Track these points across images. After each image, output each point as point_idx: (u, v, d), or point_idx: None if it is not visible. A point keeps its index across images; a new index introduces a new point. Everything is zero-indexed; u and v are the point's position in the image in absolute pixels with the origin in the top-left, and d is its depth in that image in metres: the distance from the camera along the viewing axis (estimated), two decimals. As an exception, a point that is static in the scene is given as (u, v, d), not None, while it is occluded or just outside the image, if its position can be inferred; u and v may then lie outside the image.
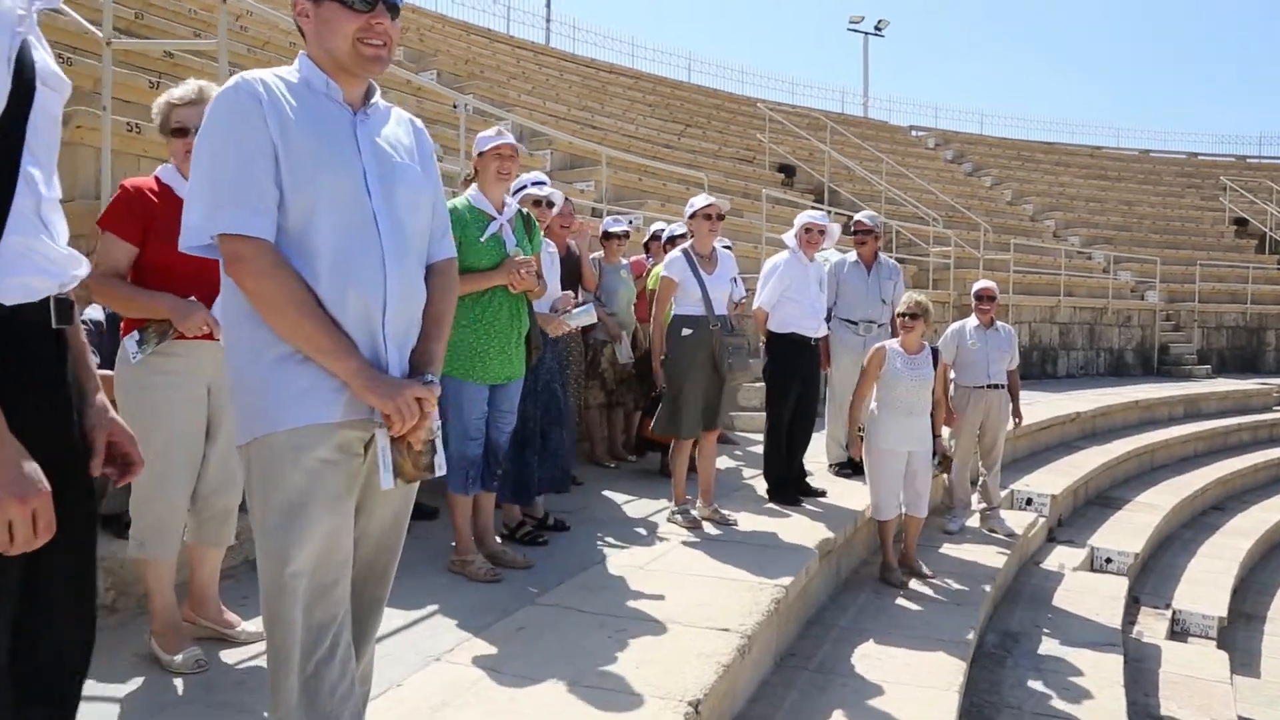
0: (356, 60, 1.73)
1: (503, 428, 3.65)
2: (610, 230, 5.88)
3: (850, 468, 6.03)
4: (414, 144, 1.86)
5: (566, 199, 4.48)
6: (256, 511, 1.70)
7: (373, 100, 1.81)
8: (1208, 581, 6.76)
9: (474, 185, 3.56)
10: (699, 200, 4.51)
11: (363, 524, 1.82)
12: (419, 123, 1.93)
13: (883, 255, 6.11)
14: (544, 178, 4.04)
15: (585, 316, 4.02)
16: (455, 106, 8.40)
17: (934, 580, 4.85)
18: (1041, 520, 6.73)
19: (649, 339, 5.59)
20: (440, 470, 1.81)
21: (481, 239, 3.39)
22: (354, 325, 1.70)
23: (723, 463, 6.01)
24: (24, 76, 1.23)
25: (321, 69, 1.75)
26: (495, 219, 3.47)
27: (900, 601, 4.55)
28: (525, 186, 3.91)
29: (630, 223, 8.50)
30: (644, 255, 6.45)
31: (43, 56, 1.31)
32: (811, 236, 5.24)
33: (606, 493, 5.26)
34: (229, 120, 1.66)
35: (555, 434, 4.11)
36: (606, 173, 10.09)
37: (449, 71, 13.38)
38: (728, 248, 5.27)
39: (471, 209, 3.46)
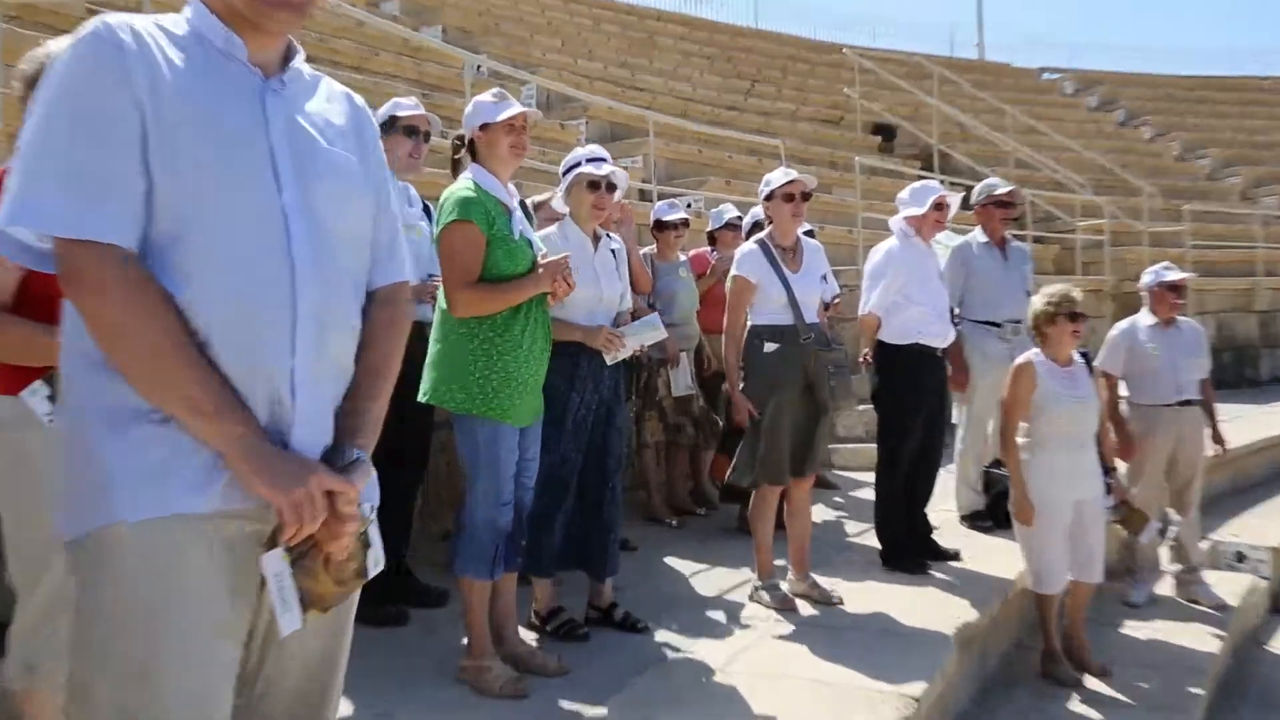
0: (250, 2, 1.58)
1: (527, 482, 3.57)
2: (664, 219, 5.76)
3: (990, 519, 5.77)
4: (352, 128, 1.74)
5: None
6: (85, 641, 1.50)
7: (292, 64, 1.68)
8: None
9: (473, 166, 3.46)
10: (777, 176, 4.43)
11: (277, 658, 1.63)
12: (360, 100, 1.80)
13: (1011, 236, 5.92)
14: (603, 153, 3.95)
15: (650, 333, 3.88)
16: (469, 70, 8.31)
17: (1118, 676, 4.50)
18: (1261, 583, 6.27)
19: (718, 356, 5.53)
20: (375, 568, 1.64)
21: (514, 235, 3.36)
22: (243, 376, 1.52)
23: (819, 514, 5.83)
24: None
25: (219, 17, 1.61)
26: (512, 209, 3.42)
27: (1075, 706, 4.22)
28: (579, 164, 3.84)
29: (689, 206, 8.37)
30: (707, 248, 6.29)
31: None
32: (941, 215, 5.04)
33: (669, 559, 5.11)
34: (78, 77, 1.49)
35: (607, 498, 3.93)
36: (656, 145, 9.87)
37: (457, 26, 13.35)
38: (809, 234, 5.18)
39: (489, 197, 3.40)
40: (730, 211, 6.27)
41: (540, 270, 3.38)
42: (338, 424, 1.63)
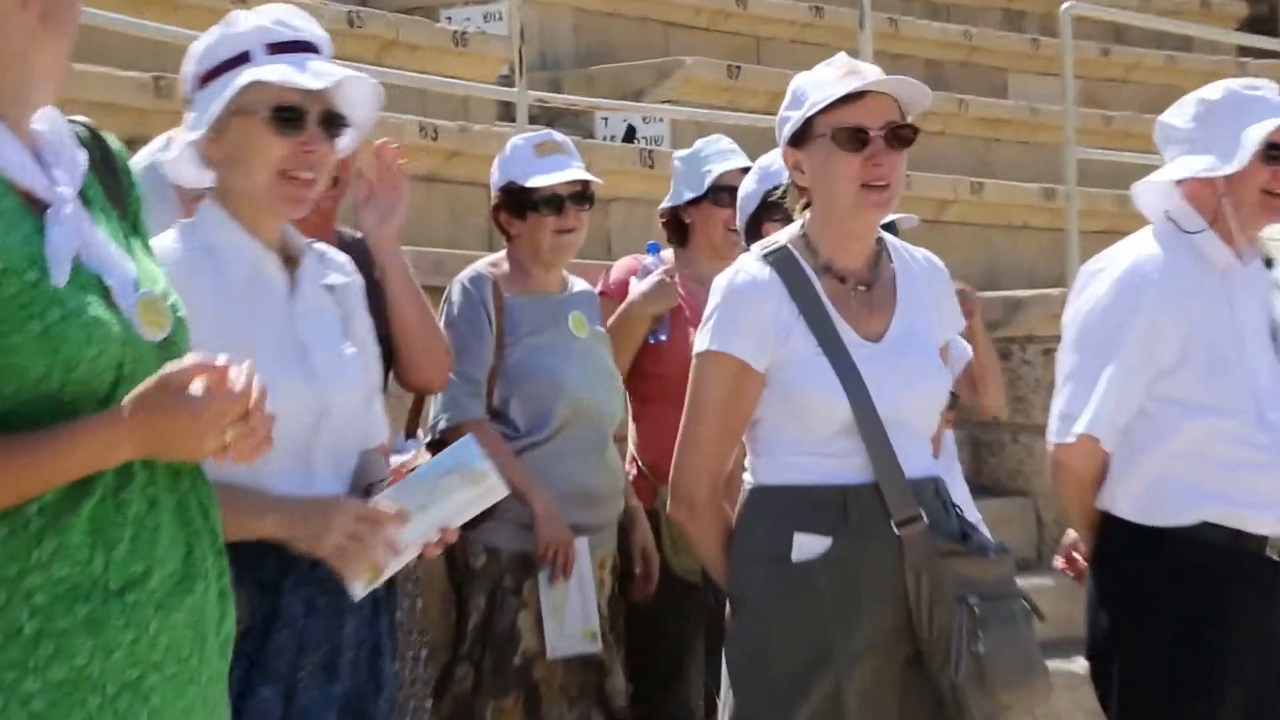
0: None
1: None
2: (529, 184, 4.01)
3: None
4: None
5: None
6: None
7: None
8: None
9: None
10: (821, 81, 3.04)
11: None
12: None
13: None
14: (299, 23, 2.69)
15: (462, 491, 2.60)
16: None
17: None
18: None
19: (680, 545, 4.22)
20: None
21: (52, 275, 1.95)
22: None
23: None
24: None
25: None
26: (44, 202, 1.98)
27: None
28: (245, 58, 2.70)
29: (634, 135, 7.34)
30: (644, 260, 4.50)
31: None
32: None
33: None
34: None
35: None
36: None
37: None
38: (889, 228, 3.67)
39: None
40: (727, 157, 4.42)
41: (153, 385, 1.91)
42: None
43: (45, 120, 2.01)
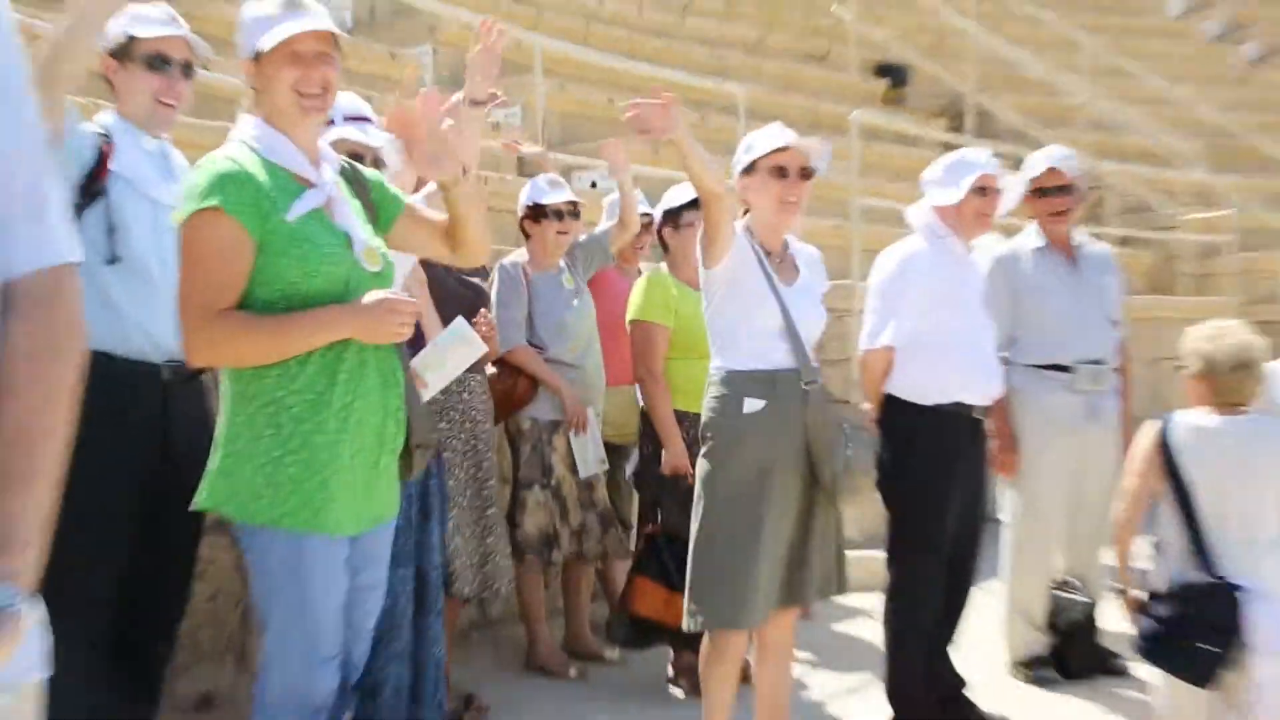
0: None
1: (362, 622, 3.55)
2: (543, 202, 6.05)
3: (1057, 667, 5.84)
4: None
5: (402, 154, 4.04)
6: None
7: None
8: None
9: (252, 121, 3.40)
10: (763, 139, 4.48)
11: None
12: None
13: (1082, 235, 6.15)
14: (365, 109, 4.31)
15: (460, 349, 4.22)
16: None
17: None
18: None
19: (644, 422, 5.90)
20: None
21: (315, 232, 3.29)
22: None
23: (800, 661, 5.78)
24: None
25: None
26: (312, 185, 3.35)
27: None
28: (333, 123, 4.04)
29: (594, 185, 8.85)
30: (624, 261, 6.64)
31: None
32: (987, 204, 5.13)
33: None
34: None
35: (426, 633, 4.22)
36: (545, 89, 9.96)
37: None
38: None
39: (273, 169, 3.33)
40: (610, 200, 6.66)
41: (365, 300, 3.29)
42: None
43: (325, 146, 3.44)
